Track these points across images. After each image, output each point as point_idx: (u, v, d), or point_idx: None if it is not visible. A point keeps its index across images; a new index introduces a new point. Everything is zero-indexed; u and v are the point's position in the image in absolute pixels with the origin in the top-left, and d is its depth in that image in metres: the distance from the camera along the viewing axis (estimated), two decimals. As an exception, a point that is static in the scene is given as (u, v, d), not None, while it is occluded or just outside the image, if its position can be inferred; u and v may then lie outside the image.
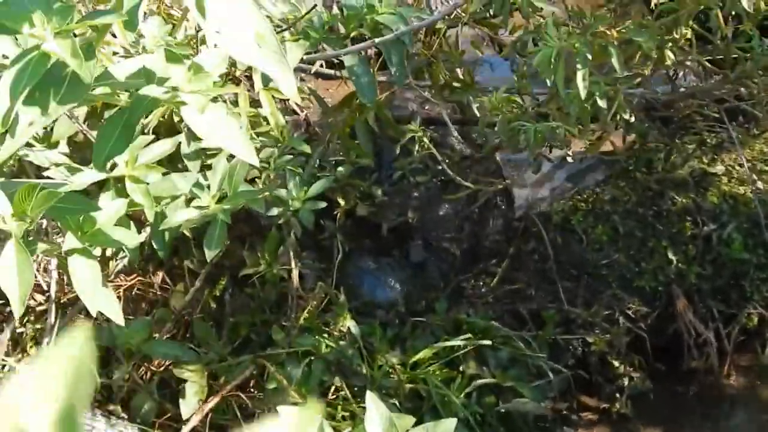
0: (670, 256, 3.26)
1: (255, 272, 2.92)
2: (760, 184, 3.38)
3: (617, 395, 3.16)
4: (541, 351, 2.97)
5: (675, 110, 3.73)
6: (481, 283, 3.32)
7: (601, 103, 2.56)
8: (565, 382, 3.06)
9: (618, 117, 2.79)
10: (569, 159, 3.07)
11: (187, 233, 2.59)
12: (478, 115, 2.97)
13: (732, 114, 3.80)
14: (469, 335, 2.89)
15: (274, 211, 2.76)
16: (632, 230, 3.32)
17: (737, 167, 3.48)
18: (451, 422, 2.16)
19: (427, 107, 3.42)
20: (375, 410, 2.18)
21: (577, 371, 3.12)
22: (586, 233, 3.34)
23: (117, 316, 2.04)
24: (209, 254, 2.36)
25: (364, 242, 3.25)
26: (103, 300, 2.00)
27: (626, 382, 3.14)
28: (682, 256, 3.27)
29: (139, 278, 3.01)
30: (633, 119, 2.94)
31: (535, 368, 2.95)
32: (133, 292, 3.05)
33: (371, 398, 2.14)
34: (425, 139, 2.82)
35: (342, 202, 3.11)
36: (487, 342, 2.85)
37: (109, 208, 2.05)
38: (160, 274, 3.06)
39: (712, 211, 3.34)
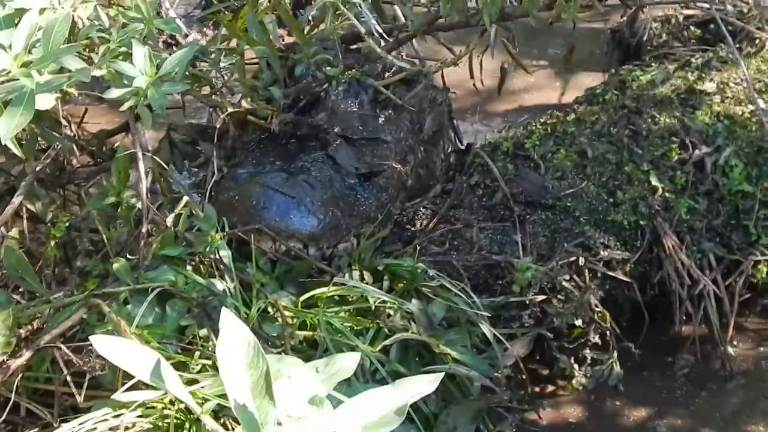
0: (654, 182, 2.50)
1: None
2: (762, 103, 2.66)
3: (582, 372, 2.39)
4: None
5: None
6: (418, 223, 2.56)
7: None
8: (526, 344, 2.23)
9: None
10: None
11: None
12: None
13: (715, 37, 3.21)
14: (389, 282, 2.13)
15: (114, 93, 1.97)
16: (604, 154, 2.57)
17: (732, 85, 2.75)
18: (353, 357, 1.56)
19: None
20: (231, 333, 1.43)
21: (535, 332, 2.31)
22: (544, 159, 2.58)
23: None
24: (5, 136, 1.64)
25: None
26: None
27: (594, 355, 2.38)
28: (669, 184, 2.53)
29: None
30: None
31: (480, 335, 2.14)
32: None
33: (227, 317, 1.47)
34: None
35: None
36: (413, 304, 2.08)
37: None
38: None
39: (703, 132, 2.60)
